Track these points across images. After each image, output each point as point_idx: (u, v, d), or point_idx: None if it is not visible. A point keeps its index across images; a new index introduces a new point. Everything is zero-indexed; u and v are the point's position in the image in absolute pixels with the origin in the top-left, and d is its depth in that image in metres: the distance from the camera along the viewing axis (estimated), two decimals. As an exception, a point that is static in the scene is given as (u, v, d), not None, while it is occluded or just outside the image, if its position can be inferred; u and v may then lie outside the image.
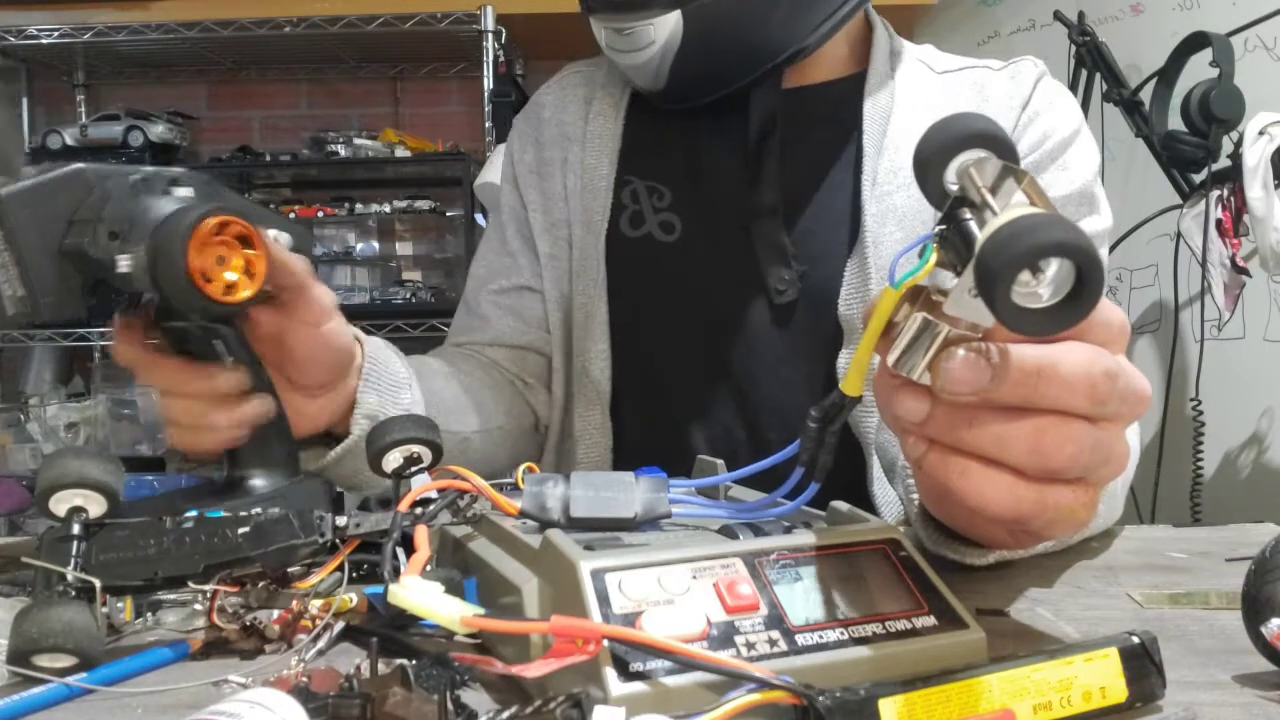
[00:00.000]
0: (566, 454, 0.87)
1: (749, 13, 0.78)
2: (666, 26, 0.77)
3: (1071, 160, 0.82)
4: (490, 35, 2.18)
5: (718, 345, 0.83)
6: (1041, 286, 0.32)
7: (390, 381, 0.68)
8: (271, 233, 0.56)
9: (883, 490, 0.79)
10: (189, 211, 0.52)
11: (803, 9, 0.80)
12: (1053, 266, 0.32)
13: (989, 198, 0.34)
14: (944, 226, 0.35)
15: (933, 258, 0.35)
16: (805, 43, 0.81)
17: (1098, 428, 0.37)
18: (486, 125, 2.20)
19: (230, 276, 0.53)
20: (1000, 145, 0.36)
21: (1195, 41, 1.72)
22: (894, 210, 0.79)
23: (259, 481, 0.57)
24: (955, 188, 0.36)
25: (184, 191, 0.55)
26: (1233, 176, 1.62)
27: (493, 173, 1.80)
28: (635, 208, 0.86)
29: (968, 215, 0.35)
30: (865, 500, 0.79)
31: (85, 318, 0.55)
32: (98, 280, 0.54)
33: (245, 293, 0.53)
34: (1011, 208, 0.33)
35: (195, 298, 0.51)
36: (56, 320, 0.60)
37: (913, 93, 0.84)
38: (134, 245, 0.51)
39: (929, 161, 0.37)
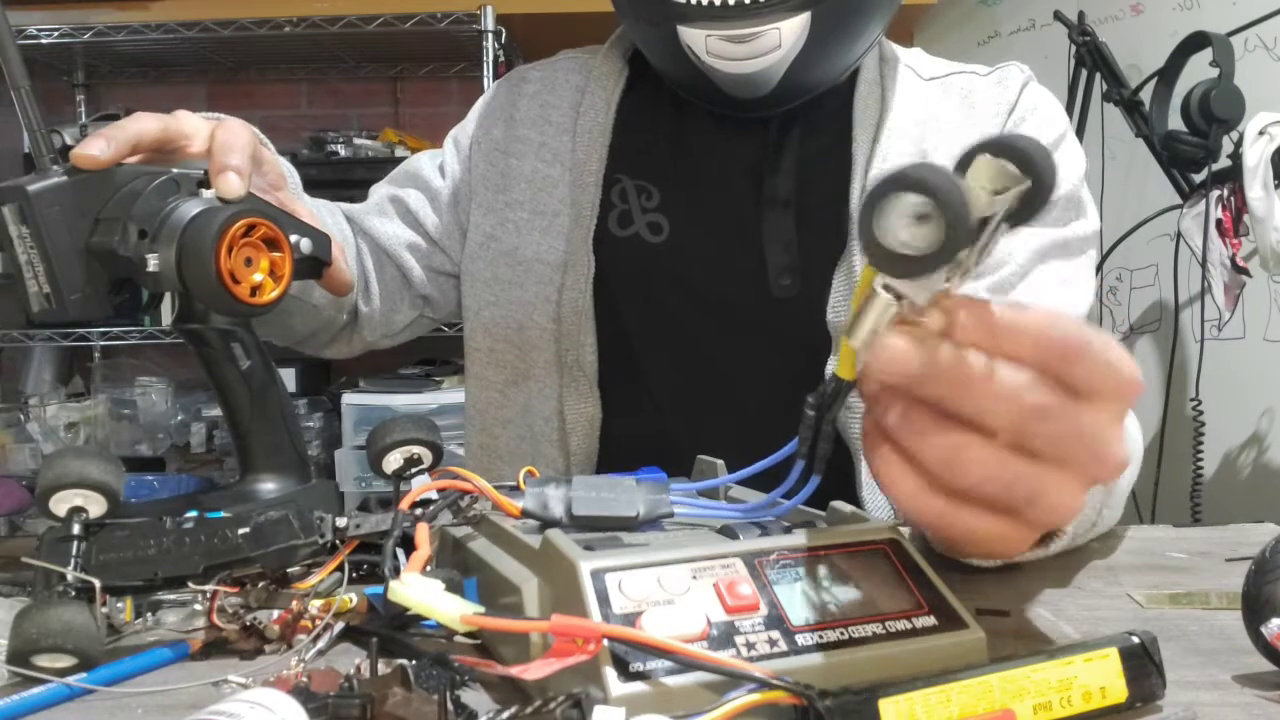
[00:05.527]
0: (559, 445, 0.87)
1: (863, 11, 0.76)
2: (794, 29, 0.73)
3: (1058, 164, 0.82)
4: (490, 35, 2.17)
5: (705, 350, 0.83)
6: (911, 232, 0.33)
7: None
8: (293, 238, 0.57)
9: (871, 494, 0.79)
10: (218, 212, 0.52)
11: (892, 3, 0.80)
12: (917, 210, 0.33)
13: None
14: None
15: None
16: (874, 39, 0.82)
17: (1026, 463, 0.35)
18: (487, 125, 2.20)
19: (257, 278, 0.53)
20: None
21: (1195, 41, 1.72)
22: None
23: (269, 486, 0.57)
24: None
25: (211, 192, 0.55)
26: (1233, 176, 1.62)
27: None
28: (624, 207, 0.85)
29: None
30: (855, 505, 0.78)
31: (111, 316, 0.55)
32: (122, 279, 0.54)
33: (272, 294, 0.54)
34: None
35: (224, 298, 0.52)
36: (83, 319, 0.60)
37: (901, 100, 0.84)
38: (163, 245, 0.52)
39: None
